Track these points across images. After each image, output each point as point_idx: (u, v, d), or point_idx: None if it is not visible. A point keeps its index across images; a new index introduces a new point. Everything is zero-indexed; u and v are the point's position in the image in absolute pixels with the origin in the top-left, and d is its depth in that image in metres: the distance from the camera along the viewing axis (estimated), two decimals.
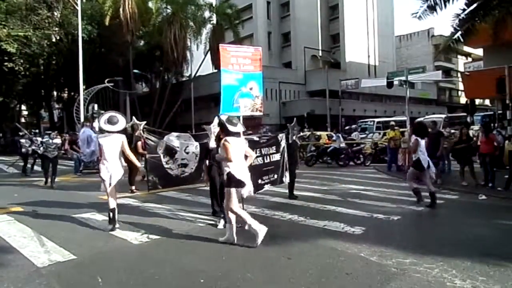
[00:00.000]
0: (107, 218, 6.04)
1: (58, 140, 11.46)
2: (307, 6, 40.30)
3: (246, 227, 5.04)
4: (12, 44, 24.79)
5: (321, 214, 6.73)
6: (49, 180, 11.13)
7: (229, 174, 4.93)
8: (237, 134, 5.11)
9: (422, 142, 7.52)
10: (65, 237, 5.42)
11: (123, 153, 6.10)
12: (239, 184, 4.95)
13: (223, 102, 6.74)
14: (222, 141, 5.02)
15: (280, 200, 8.22)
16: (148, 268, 4.20)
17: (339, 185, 10.54)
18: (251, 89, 6.93)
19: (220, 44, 7.31)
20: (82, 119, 20.34)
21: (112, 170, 5.89)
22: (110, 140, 5.95)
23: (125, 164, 7.06)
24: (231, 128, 5.05)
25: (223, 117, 5.44)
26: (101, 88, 24.59)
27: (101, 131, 5.96)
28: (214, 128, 6.49)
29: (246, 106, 6.86)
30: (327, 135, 22.02)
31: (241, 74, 6.85)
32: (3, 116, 39.79)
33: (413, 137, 7.77)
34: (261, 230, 4.90)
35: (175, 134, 10.26)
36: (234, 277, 3.90)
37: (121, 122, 6.14)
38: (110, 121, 5.99)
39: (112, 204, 5.89)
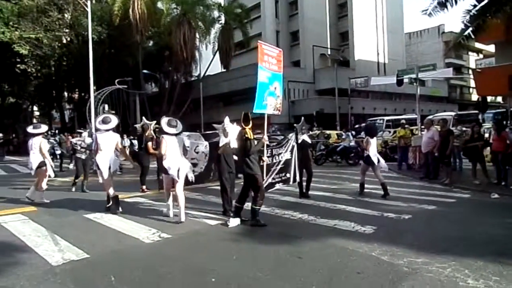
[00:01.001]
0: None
1: (89, 140, 10.51)
2: (316, 4, 40.12)
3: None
4: (24, 46, 25.19)
5: (331, 213, 6.72)
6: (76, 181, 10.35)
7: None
8: (172, 134, 6.46)
9: (372, 141, 8.62)
10: (78, 236, 5.49)
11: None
12: (166, 171, 6.40)
13: (257, 98, 6.65)
14: (161, 137, 6.66)
15: (290, 199, 8.22)
16: (160, 266, 4.24)
17: (349, 184, 10.50)
18: (275, 88, 6.93)
19: (258, 41, 7.26)
20: (93, 120, 20.54)
21: (106, 162, 7.01)
22: (106, 137, 7.12)
23: (136, 163, 8.09)
24: (167, 129, 6.46)
25: (164, 120, 6.69)
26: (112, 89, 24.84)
27: (97, 129, 7.20)
28: (228, 126, 6.76)
29: (271, 105, 6.87)
30: (336, 134, 21.75)
31: (270, 73, 6.81)
32: (16, 117, 40.42)
33: (365, 137, 9.03)
34: (169, 211, 6.69)
35: (186, 133, 10.34)
36: (245, 276, 3.92)
37: (113, 121, 7.30)
38: (104, 121, 7.26)
39: (111, 192, 7.10)
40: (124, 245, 5.07)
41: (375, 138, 8.92)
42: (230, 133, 6.71)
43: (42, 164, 8.26)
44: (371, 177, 11.70)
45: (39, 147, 8.16)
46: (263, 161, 6.62)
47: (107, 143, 7.05)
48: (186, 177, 6.73)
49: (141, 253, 4.80)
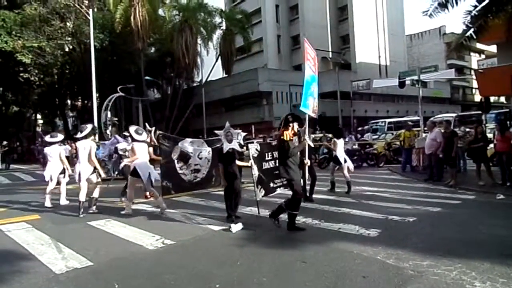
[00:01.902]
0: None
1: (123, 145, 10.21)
2: (316, 8, 40.25)
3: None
4: (27, 55, 25.36)
5: (335, 217, 6.69)
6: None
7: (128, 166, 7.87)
8: (140, 140, 7.63)
9: (339, 142, 9.63)
10: (82, 244, 5.48)
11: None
12: (136, 174, 7.39)
13: (304, 96, 6.35)
14: (131, 145, 7.79)
15: None
16: (164, 273, 4.22)
17: (353, 187, 10.44)
18: (313, 89, 6.72)
19: (304, 38, 7.40)
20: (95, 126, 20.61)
21: (81, 168, 7.83)
22: (82, 145, 7.94)
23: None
24: (136, 136, 7.63)
25: (132, 128, 7.87)
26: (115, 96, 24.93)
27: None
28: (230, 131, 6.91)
29: (310, 106, 6.55)
30: (363, 143, 19.14)
31: (311, 72, 6.67)
32: (20, 125, 40.66)
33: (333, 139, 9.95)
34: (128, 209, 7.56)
35: (189, 140, 10.35)
36: (250, 282, 3.89)
37: (87, 129, 8.16)
38: (80, 130, 8.30)
39: (82, 197, 7.69)
40: (128, 252, 5.06)
41: (341, 139, 9.91)
42: (234, 137, 6.76)
43: (62, 171, 9.31)
44: (373, 180, 11.68)
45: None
46: (306, 163, 6.42)
47: (82, 151, 7.89)
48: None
49: (145, 260, 4.78)
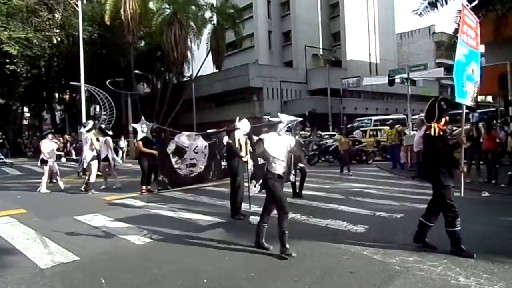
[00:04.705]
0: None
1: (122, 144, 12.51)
2: (307, 5, 40.21)
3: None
4: (13, 46, 24.83)
5: (323, 213, 6.73)
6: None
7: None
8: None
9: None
10: (68, 238, 5.42)
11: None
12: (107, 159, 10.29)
13: (457, 84, 4.72)
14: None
15: None
16: (151, 268, 4.20)
17: (341, 183, 10.53)
18: (472, 71, 5.05)
19: (461, 3, 5.53)
20: (84, 120, 20.37)
21: (85, 156, 10.10)
22: (85, 137, 10.15)
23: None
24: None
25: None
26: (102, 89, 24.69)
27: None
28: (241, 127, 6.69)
29: (469, 93, 5.00)
30: (352, 140, 16.93)
31: (467, 49, 4.95)
32: (6, 118, 39.92)
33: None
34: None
35: (186, 133, 10.33)
36: (237, 277, 3.90)
37: (89, 125, 10.44)
38: (83, 125, 10.39)
39: (92, 179, 9.89)
40: (115, 247, 5.02)
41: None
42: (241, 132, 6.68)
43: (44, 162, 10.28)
44: (362, 176, 11.78)
45: (54, 149, 10.26)
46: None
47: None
48: None
49: (132, 254, 4.74)
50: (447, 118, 4.54)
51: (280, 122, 4.84)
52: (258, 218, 6.00)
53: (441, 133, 4.42)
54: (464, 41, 4.90)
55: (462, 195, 4.90)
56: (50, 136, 11.00)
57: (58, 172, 11.07)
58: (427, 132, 4.54)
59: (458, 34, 4.92)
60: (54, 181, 11.03)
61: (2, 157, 21.78)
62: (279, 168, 4.63)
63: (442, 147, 4.42)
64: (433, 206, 4.63)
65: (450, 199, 4.41)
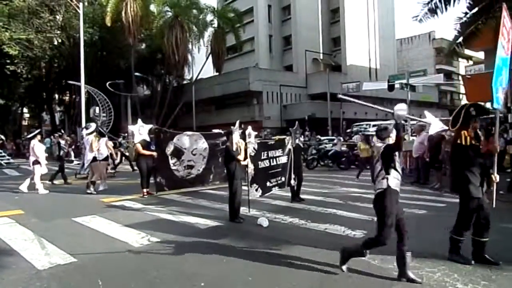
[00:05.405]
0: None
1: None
2: (308, 10, 40.36)
3: None
4: (14, 47, 24.88)
5: (322, 218, 6.72)
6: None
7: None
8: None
9: None
10: (66, 240, 5.41)
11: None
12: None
13: (495, 88, 4.48)
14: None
15: (281, 203, 8.20)
16: (149, 271, 4.19)
17: (340, 188, 10.52)
18: (503, 76, 4.82)
19: (504, 4, 5.00)
20: (84, 122, 20.38)
21: (87, 156, 10.59)
22: (87, 138, 10.72)
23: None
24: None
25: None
26: (102, 91, 24.70)
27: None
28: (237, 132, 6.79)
29: (501, 99, 4.78)
30: (368, 147, 13.75)
31: (504, 53, 4.62)
32: (5, 119, 39.89)
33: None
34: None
35: (188, 132, 10.33)
36: (235, 281, 3.89)
37: (91, 127, 10.99)
38: (86, 127, 11.23)
39: (95, 177, 10.27)
40: (113, 249, 5.00)
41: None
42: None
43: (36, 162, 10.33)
44: (360, 181, 11.77)
45: (43, 151, 10.46)
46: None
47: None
48: None
49: (130, 257, 4.73)
50: (477, 125, 4.28)
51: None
52: (266, 220, 6.06)
53: (473, 141, 4.16)
54: (503, 45, 4.62)
55: (494, 206, 4.59)
56: (39, 136, 10.81)
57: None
58: (458, 142, 4.25)
59: (500, 37, 4.61)
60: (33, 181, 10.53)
61: (8, 157, 21.69)
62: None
63: (474, 156, 4.15)
64: (475, 221, 4.33)
65: (472, 212, 4.24)
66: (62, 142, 13.27)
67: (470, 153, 4.16)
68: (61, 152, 12.73)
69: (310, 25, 40.19)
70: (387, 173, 3.81)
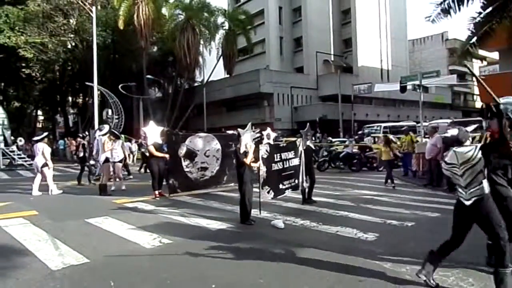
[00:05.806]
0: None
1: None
2: (319, 11, 40.27)
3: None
4: (29, 51, 25.40)
5: (333, 220, 6.67)
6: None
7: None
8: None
9: None
10: (79, 240, 5.47)
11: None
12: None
13: None
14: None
15: (292, 205, 8.17)
16: (160, 272, 4.21)
17: (352, 190, 10.44)
18: None
19: None
20: (96, 124, 20.64)
21: (100, 157, 10.72)
22: (100, 139, 10.90)
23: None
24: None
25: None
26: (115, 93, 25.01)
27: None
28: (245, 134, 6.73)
29: None
30: (389, 150, 11.69)
31: None
32: (21, 121, 40.67)
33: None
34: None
35: (202, 134, 10.35)
36: (247, 283, 3.88)
37: (105, 129, 11.19)
38: (99, 129, 11.60)
39: (105, 180, 10.31)
40: (125, 250, 5.04)
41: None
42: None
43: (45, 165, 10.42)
44: (372, 184, 11.67)
45: (41, 154, 10.29)
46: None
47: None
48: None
49: (142, 258, 4.76)
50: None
51: None
52: (281, 222, 6.05)
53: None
54: None
55: None
56: (46, 139, 10.94)
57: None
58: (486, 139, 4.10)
59: None
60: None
61: (28, 159, 21.98)
62: None
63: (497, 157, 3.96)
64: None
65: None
66: (85, 143, 13.52)
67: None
68: (85, 154, 12.91)
69: (321, 26, 40.08)
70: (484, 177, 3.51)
